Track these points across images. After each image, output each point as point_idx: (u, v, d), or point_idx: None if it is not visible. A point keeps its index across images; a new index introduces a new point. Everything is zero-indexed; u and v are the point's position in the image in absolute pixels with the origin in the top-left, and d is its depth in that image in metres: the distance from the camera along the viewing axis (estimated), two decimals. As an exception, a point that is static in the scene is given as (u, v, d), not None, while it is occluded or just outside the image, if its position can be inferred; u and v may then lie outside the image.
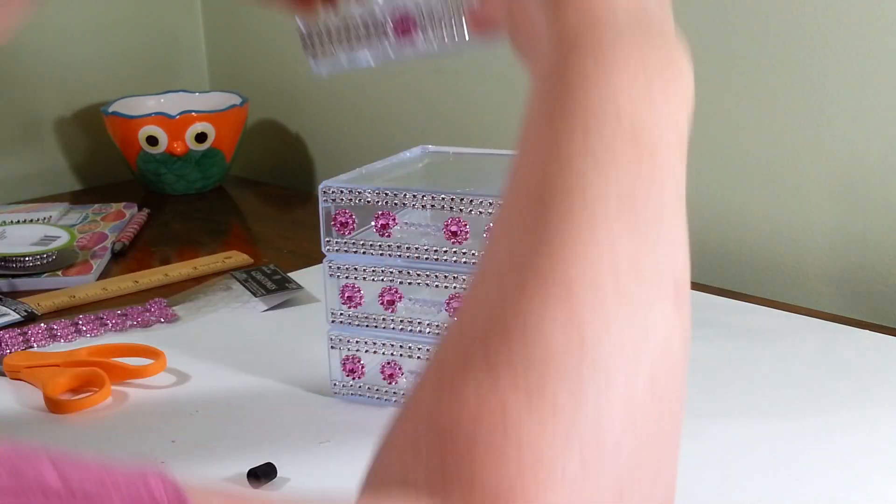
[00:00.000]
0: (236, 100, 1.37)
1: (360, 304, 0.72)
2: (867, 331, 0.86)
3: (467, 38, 0.58)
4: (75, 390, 0.77)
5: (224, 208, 1.32)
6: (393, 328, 0.72)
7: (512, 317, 0.37)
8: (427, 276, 0.69)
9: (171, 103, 1.39)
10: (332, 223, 0.71)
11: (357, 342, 0.73)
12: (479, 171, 0.78)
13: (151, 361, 0.79)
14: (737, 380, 0.77)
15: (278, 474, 0.64)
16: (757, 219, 1.04)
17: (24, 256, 1.04)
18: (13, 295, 0.98)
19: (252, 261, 1.07)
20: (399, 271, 0.70)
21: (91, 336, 0.88)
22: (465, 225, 0.67)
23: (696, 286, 0.98)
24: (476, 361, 0.36)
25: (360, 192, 0.69)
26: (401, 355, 0.72)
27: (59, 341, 0.87)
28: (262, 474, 0.63)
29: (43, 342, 0.86)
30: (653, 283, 0.38)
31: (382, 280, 0.71)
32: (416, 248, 0.69)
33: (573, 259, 0.37)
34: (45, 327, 0.88)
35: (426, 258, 0.69)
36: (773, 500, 0.61)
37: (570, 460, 0.34)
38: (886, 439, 0.68)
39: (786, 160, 1.00)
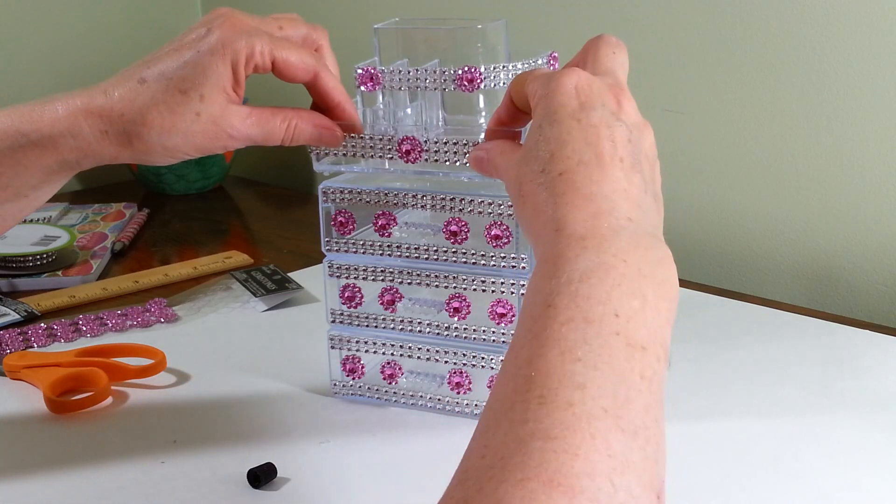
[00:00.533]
0: (236, 100, 1.37)
1: (360, 303, 0.72)
2: (867, 331, 0.86)
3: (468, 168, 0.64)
4: (75, 390, 0.76)
5: (224, 208, 1.32)
6: (393, 328, 0.72)
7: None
8: (427, 276, 0.69)
9: (171, 103, 1.38)
10: (332, 223, 0.71)
11: (357, 342, 0.73)
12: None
13: (151, 361, 0.79)
14: (736, 380, 0.77)
15: (278, 474, 0.64)
16: (757, 219, 1.04)
17: (24, 256, 1.04)
18: (13, 295, 0.98)
19: (252, 261, 1.07)
20: (399, 271, 0.70)
21: (91, 336, 0.88)
22: (465, 225, 0.67)
23: (696, 286, 0.99)
24: None
25: (359, 192, 0.69)
26: (401, 355, 0.72)
27: (59, 341, 0.87)
28: (262, 474, 0.63)
29: (43, 342, 0.86)
30: (641, 480, 0.40)
31: (382, 280, 0.71)
32: (416, 248, 0.69)
33: (573, 457, 0.39)
34: (45, 327, 0.88)
35: (426, 258, 0.69)
36: (773, 500, 0.61)
37: None
38: (886, 439, 0.68)
39: (786, 160, 1.00)
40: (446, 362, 0.70)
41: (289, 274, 0.99)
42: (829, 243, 0.99)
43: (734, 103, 1.02)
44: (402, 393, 0.73)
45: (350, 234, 0.71)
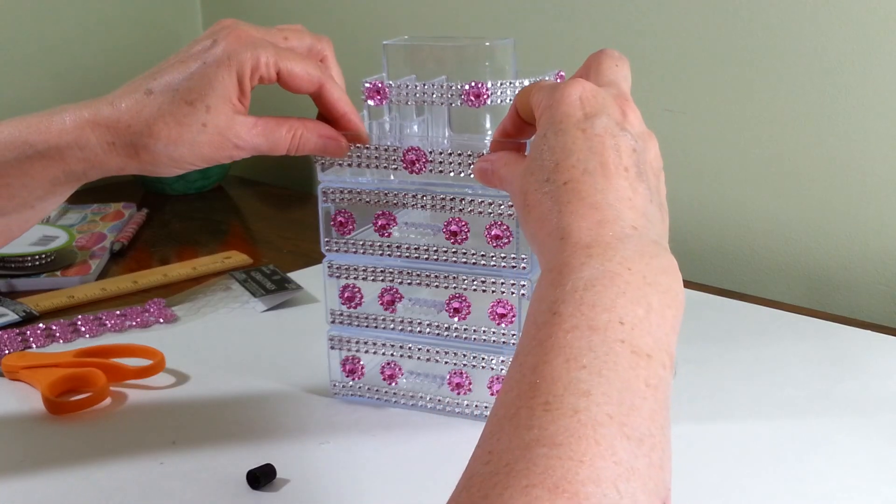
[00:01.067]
0: (236, 100, 1.37)
1: (359, 304, 0.72)
2: (867, 331, 0.86)
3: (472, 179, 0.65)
4: (74, 391, 0.76)
5: (223, 208, 1.32)
6: (393, 328, 0.71)
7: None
8: (427, 276, 0.69)
9: (171, 103, 1.38)
10: (332, 223, 0.71)
11: (357, 342, 0.73)
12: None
13: (150, 362, 0.79)
14: (737, 380, 0.77)
15: (278, 475, 0.64)
16: (757, 219, 1.03)
17: (23, 256, 1.04)
18: (12, 295, 0.98)
19: (251, 261, 1.07)
20: (399, 271, 0.70)
21: (90, 336, 0.88)
22: (465, 224, 0.67)
23: (696, 286, 0.98)
24: None
25: (359, 193, 0.69)
26: (401, 356, 0.72)
27: (58, 342, 0.86)
28: (262, 475, 0.63)
29: (41, 343, 0.86)
30: (646, 487, 0.40)
31: (382, 280, 0.71)
32: (416, 248, 0.69)
33: (578, 464, 0.39)
34: (44, 328, 0.88)
35: (426, 258, 0.69)
36: (774, 501, 0.61)
37: None
38: (887, 440, 0.68)
39: (786, 160, 1.00)
40: (446, 363, 0.70)
41: (288, 274, 0.99)
42: (830, 244, 0.99)
43: (734, 103, 1.02)
44: (401, 394, 0.73)
45: (350, 234, 0.71)
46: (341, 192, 0.70)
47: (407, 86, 0.68)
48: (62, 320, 0.89)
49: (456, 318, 0.69)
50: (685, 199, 1.08)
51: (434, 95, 0.67)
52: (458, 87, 0.66)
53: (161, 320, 0.91)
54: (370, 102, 0.69)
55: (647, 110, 1.08)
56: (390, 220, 0.69)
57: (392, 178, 0.70)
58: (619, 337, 0.44)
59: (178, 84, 0.64)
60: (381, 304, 0.71)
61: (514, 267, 0.67)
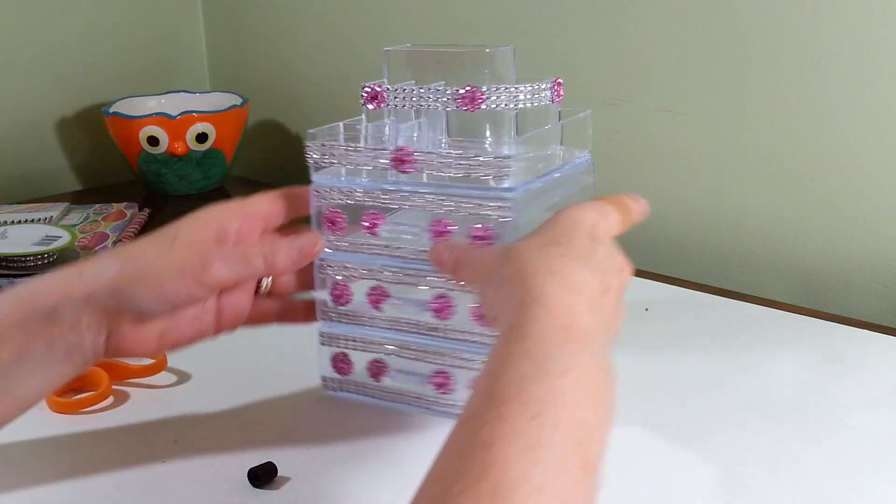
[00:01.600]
0: (237, 100, 1.38)
1: (348, 301, 0.73)
2: (866, 331, 0.86)
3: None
4: (76, 390, 0.77)
5: (225, 208, 1.32)
6: (380, 327, 0.72)
7: None
8: (413, 275, 0.70)
9: (172, 104, 1.39)
10: (325, 223, 0.71)
11: (346, 339, 0.73)
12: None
13: (152, 361, 0.79)
14: (737, 380, 0.77)
15: (279, 473, 0.64)
16: (756, 219, 1.04)
17: (25, 256, 1.04)
18: (14, 295, 0.98)
19: (252, 261, 1.07)
20: (385, 270, 0.70)
21: (92, 336, 0.88)
22: (449, 225, 0.67)
23: (695, 286, 0.99)
24: None
25: (349, 192, 0.70)
26: (387, 354, 0.72)
27: (60, 341, 0.87)
28: (263, 474, 0.63)
29: (44, 342, 0.86)
30: None
31: (370, 278, 0.71)
32: (402, 248, 0.70)
33: None
34: (46, 327, 0.88)
35: (412, 258, 0.69)
36: (773, 500, 0.61)
37: None
38: (885, 439, 0.68)
39: (785, 160, 1.00)
40: (430, 362, 0.71)
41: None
42: (828, 244, 0.99)
43: (732, 104, 1.03)
44: (387, 390, 0.73)
45: (340, 232, 0.71)
46: (332, 191, 0.70)
47: (404, 90, 0.69)
48: (64, 320, 0.90)
49: (439, 319, 0.70)
50: (684, 199, 1.08)
51: (430, 100, 0.68)
52: (453, 91, 0.67)
53: (162, 320, 0.91)
54: (369, 106, 0.70)
55: (646, 111, 1.09)
56: (378, 219, 0.70)
57: (389, 177, 0.70)
58: (577, 438, 0.44)
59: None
60: (369, 302, 0.72)
61: None
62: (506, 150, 0.65)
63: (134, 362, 0.79)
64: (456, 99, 0.67)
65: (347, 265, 0.71)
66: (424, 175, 0.67)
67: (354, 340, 0.73)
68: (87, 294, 0.59)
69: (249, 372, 0.80)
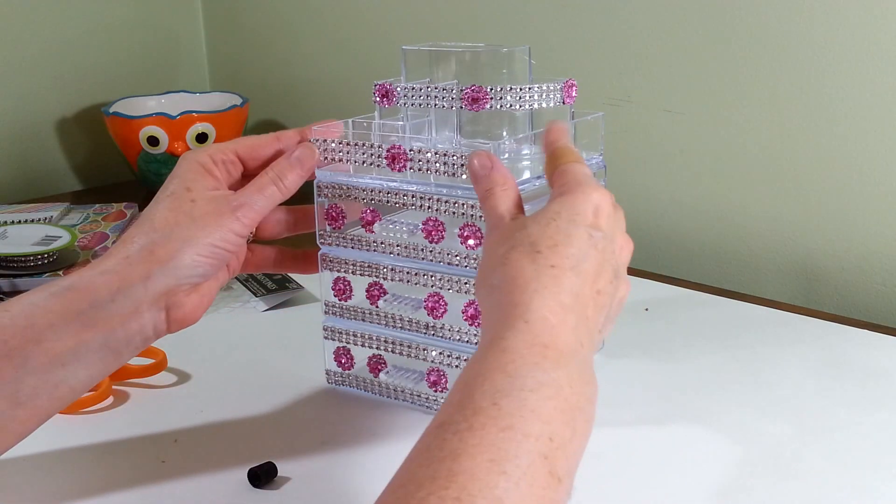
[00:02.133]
0: (237, 100, 1.38)
1: (350, 297, 0.73)
2: (865, 330, 0.86)
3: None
4: (76, 390, 0.77)
5: (224, 208, 1.32)
6: (377, 323, 0.72)
7: None
8: (407, 273, 0.70)
9: (172, 104, 1.39)
10: (325, 217, 0.72)
11: (347, 334, 0.74)
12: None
13: (152, 361, 0.79)
14: (737, 380, 0.77)
15: (279, 473, 0.64)
16: (755, 218, 1.04)
17: (26, 256, 1.04)
18: (14, 294, 0.98)
19: (252, 261, 1.07)
20: (382, 267, 0.71)
21: (92, 336, 0.88)
22: (441, 224, 0.68)
23: (695, 286, 0.99)
24: None
25: (349, 188, 0.70)
26: (385, 350, 0.73)
27: (60, 341, 0.87)
28: (263, 474, 0.63)
29: (44, 342, 0.86)
30: None
31: (369, 275, 0.72)
32: (397, 246, 0.70)
33: None
34: (47, 327, 0.88)
35: (406, 255, 0.70)
36: (773, 500, 0.61)
37: None
38: (885, 439, 0.68)
39: (785, 160, 1.01)
40: (424, 359, 0.71)
41: (289, 273, 1.00)
42: (828, 243, 0.99)
43: (733, 103, 1.03)
44: (385, 386, 0.74)
45: (341, 228, 0.72)
46: (332, 186, 0.71)
47: (412, 88, 0.69)
48: (64, 320, 0.90)
49: (432, 316, 0.70)
50: (684, 199, 1.08)
51: (437, 98, 0.68)
52: (459, 90, 0.67)
53: (162, 320, 0.91)
54: (384, 105, 0.71)
55: (646, 111, 1.09)
56: (375, 216, 0.70)
57: (394, 176, 0.70)
58: (544, 452, 0.45)
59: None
60: (368, 297, 0.72)
61: None
62: (503, 150, 0.65)
63: (134, 362, 0.79)
64: (461, 98, 0.67)
65: (347, 260, 0.72)
66: (431, 175, 0.67)
67: (355, 335, 0.74)
68: (143, 277, 0.61)
69: (249, 372, 0.80)
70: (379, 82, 0.71)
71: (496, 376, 0.47)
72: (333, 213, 0.72)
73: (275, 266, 0.73)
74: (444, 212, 0.67)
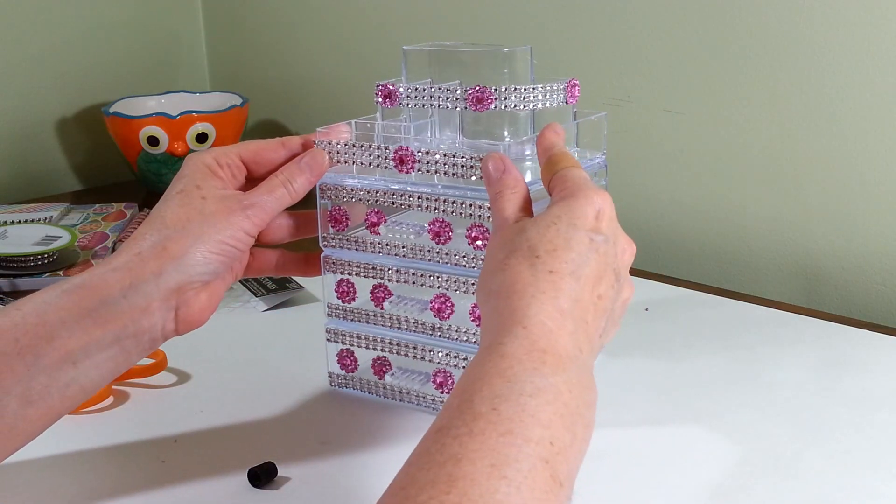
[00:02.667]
0: (237, 100, 1.38)
1: (353, 299, 0.73)
2: (865, 330, 0.86)
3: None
4: (76, 390, 0.77)
5: (224, 208, 1.32)
6: (382, 324, 0.72)
7: None
8: (413, 274, 0.70)
9: (172, 104, 1.39)
10: (328, 219, 0.72)
11: (351, 336, 0.74)
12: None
13: (152, 361, 0.79)
14: (737, 380, 0.78)
15: (279, 473, 0.64)
16: (755, 218, 1.04)
17: (26, 256, 1.04)
18: (14, 294, 0.98)
19: (252, 261, 1.07)
20: (388, 269, 0.71)
21: (92, 336, 0.88)
22: (448, 225, 0.68)
23: (695, 286, 0.99)
24: None
25: (352, 190, 0.70)
26: (390, 352, 0.73)
27: (60, 341, 0.87)
28: (263, 474, 0.63)
29: (44, 342, 0.86)
30: None
31: (373, 276, 0.71)
32: (403, 247, 0.70)
33: None
34: (46, 327, 0.88)
35: (412, 257, 0.70)
36: (773, 500, 0.61)
37: None
38: (885, 439, 0.68)
39: (785, 160, 1.01)
40: (430, 361, 0.71)
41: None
42: (828, 243, 0.99)
43: (733, 103, 1.03)
44: (389, 388, 0.74)
45: (345, 230, 0.72)
46: (336, 188, 0.71)
47: (415, 88, 0.69)
48: (64, 320, 0.90)
49: (439, 318, 0.70)
50: (684, 199, 1.08)
51: (441, 99, 0.68)
52: (463, 90, 0.67)
53: (163, 320, 0.91)
54: (387, 105, 0.71)
55: (646, 111, 1.09)
56: (380, 218, 0.70)
57: (394, 177, 0.70)
58: (544, 456, 0.45)
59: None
60: (372, 299, 0.72)
61: None
62: (501, 151, 0.65)
63: (134, 362, 0.79)
64: (465, 99, 0.67)
65: (350, 262, 0.72)
66: (435, 175, 0.67)
67: (359, 337, 0.73)
68: (155, 273, 0.61)
69: (249, 372, 0.80)
70: (381, 83, 0.71)
71: (495, 381, 0.48)
72: (337, 216, 0.72)
73: (277, 270, 0.73)
74: (451, 213, 0.67)
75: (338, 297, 0.74)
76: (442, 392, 0.71)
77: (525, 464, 0.44)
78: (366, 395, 0.75)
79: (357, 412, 0.73)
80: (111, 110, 1.34)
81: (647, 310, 0.91)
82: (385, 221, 0.71)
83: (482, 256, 0.67)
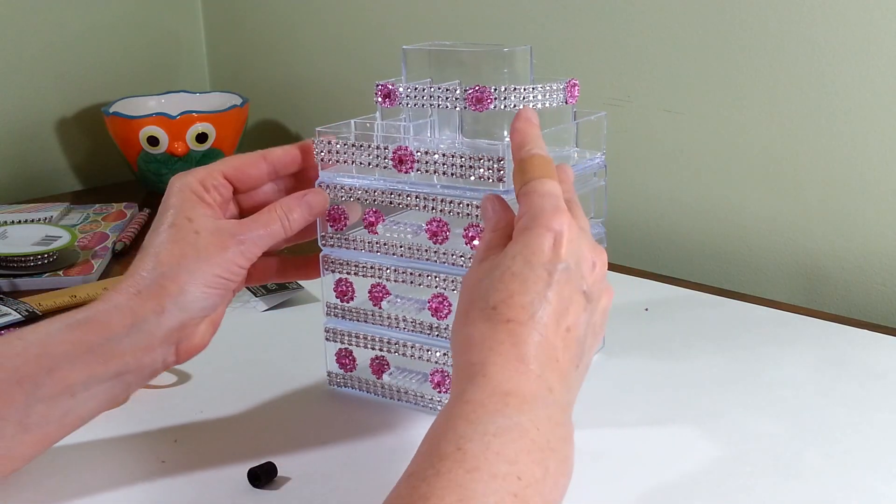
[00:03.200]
0: (237, 100, 1.38)
1: (352, 298, 0.73)
2: (865, 330, 0.86)
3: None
4: (76, 390, 0.77)
5: (224, 208, 1.33)
6: (380, 324, 0.72)
7: None
8: (411, 274, 0.70)
9: (172, 104, 1.39)
10: (326, 218, 0.72)
11: (349, 335, 0.74)
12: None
13: (152, 361, 0.79)
14: (737, 380, 0.77)
15: (279, 473, 0.64)
16: (756, 218, 1.04)
17: (26, 256, 1.04)
18: (14, 295, 0.98)
19: (252, 261, 1.07)
20: (385, 268, 0.71)
21: (92, 336, 0.88)
22: (445, 225, 0.68)
23: (695, 286, 0.99)
24: None
25: (351, 189, 0.70)
26: (388, 351, 0.73)
27: (60, 341, 0.87)
28: (263, 474, 0.63)
29: (44, 342, 0.86)
30: None
31: (372, 276, 0.72)
32: (400, 247, 0.70)
33: None
34: (46, 327, 0.88)
35: (409, 256, 0.70)
36: (773, 500, 0.61)
37: None
38: (886, 439, 0.68)
39: (785, 160, 1.01)
40: (428, 360, 0.71)
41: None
42: (828, 243, 0.99)
43: (733, 103, 1.03)
44: (388, 387, 0.74)
45: (342, 229, 0.72)
46: (334, 187, 0.71)
47: (415, 88, 0.69)
48: (64, 320, 0.90)
49: (436, 317, 0.70)
50: (684, 199, 1.08)
51: (441, 99, 0.68)
52: (462, 90, 0.67)
53: (162, 320, 0.91)
54: (386, 105, 0.71)
55: (646, 111, 1.09)
56: (378, 217, 0.70)
57: (392, 177, 0.71)
58: (513, 490, 0.45)
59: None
60: (370, 299, 0.72)
61: None
62: (500, 151, 0.65)
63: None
64: (464, 99, 0.67)
65: (349, 262, 0.72)
66: (434, 175, 0.67)
67: (357, 337, 0.73)
68: (156, 312, 0.62)
69: (249, 372, 0.80)
70: (381, 83, 0.71)
71: (459, 424, 0.49)
72: (335, 215, 0.72)
73: (278, 276, 0.73)
74: (449, 212, 0.67)
75: (336, 297, 0.74)
76: (439, 391, 0.71)
77: (492, 498, 0.45)
78: (364, 394, 0.75)
79: (356, 412, 0.73)
80: (111, 110, 1.34)
81: (647, 310, 0.91)
82: (383, 221, 0.71)
83: None
